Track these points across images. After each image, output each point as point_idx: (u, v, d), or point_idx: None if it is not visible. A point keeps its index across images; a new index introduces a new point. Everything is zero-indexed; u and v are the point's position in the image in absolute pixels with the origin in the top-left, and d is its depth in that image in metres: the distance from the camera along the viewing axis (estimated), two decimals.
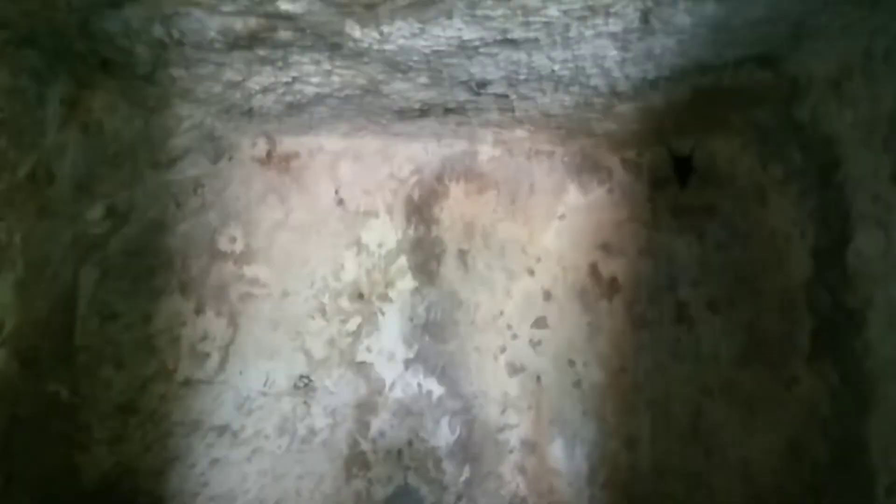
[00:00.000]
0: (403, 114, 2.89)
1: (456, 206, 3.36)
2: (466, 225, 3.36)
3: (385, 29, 1.92)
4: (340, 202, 3.30)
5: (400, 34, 1.96)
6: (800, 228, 2.62)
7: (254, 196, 3.25)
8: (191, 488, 3.07)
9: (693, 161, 3.14)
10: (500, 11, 1.84)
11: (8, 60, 2.13)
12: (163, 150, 2.92)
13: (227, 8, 1.84)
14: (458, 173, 3.38)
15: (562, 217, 3.38)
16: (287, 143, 3.26)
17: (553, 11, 1.84)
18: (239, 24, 1.91)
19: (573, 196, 3.39)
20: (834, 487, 2.46)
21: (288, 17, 1.88)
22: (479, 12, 1.85)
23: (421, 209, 3.34)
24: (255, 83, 2.44)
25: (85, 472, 2.93)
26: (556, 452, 3.23)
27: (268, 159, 3.26)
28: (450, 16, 1.87)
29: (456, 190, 3.37)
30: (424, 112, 2.83)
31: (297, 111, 2.80)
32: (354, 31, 1.92)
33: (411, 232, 3.33)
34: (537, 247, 3.36)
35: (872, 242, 2.29)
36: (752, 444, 2.81)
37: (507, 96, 2.60)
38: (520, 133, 3.18)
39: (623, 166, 3.36)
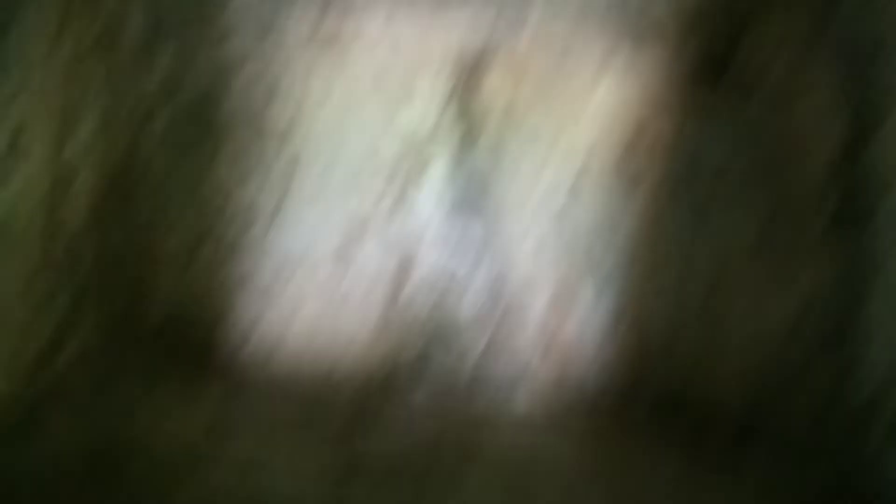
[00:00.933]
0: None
1: (492, 91, 3.46)
2: (502, 110, 3.47)
3: None
4: (379, 83, 3.44)
5: None
6: (826, 125, 2.69)
7: (297, 75, 3.41)
8: (237, 339, 3.41)
9: (726, 58, 3.17)
10: None
11: None
12: (214, 26, 3.08)
13: None
14: (496, 58, 3.46)
15: (595, 106, 3.45)
16: (330, 25, 3.38)
17: None
18: None
19: (608, 82, 3.44)
20: (825, 367, 2.65)
21: None
22: None
23: (460, 90, 3.46)
24: None
25: (147, 316, 3.28)
26: (573, 328, 3.45)
27: (312, 38, 3.39)
28: None
29: (493, 75, 3.46)
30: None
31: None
32: None
33: (448, 113, 3.46)
34: (569, 134, 3.46)
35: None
36: (759, 324, 2.98)
37: None
38: (561, 21, 3.24)
39: (657, 61, 3.39)
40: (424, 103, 3.47)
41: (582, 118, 3.47)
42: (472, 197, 3.49)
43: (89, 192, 2.76)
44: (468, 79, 3.46)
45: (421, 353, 3.47)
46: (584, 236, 3.46)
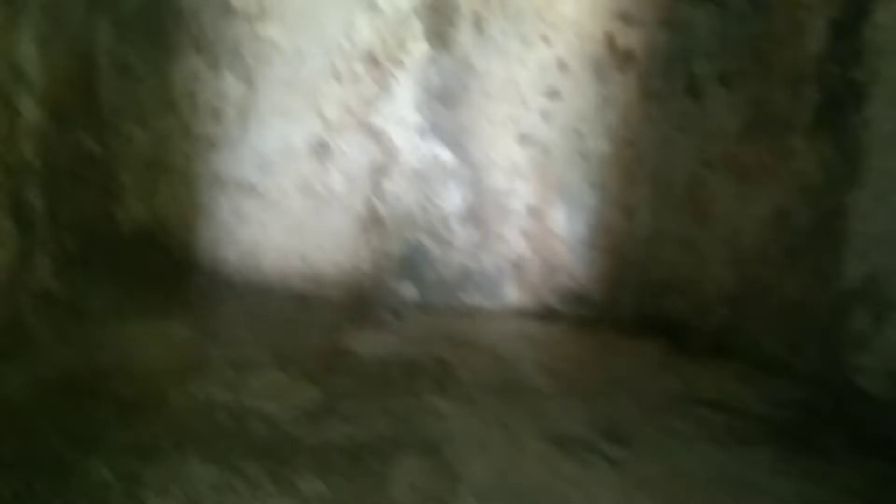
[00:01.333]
0: None
1: None
2: None
3: None
4: None
5: None
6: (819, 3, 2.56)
7: None
8: (218, 239, 3.33)
9: None
10: None
11: None
12: None
13: None
14: None
15: None
16: None
17: None
18: None
19: None
20: (811, 252, 2.66)
21: None
22: None
23: None
24: None
25: (121, 220, 3.18)
26: (559, 218, 3.41)
27: None
28: None
29: None
30: None
31: None
32: None
33: None
34: (554, 13, 3.27)
35: (891, 15, 2.26)
36: (743, 213, 2.98)
37: None
38: None
39: None
40: None
41: None
42: (456, 80, 3.34)
43: (44, 93, 2.57)
44: None
45: (410, 246, 3.44)
46: (574, 120, 3.35)
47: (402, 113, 3.34)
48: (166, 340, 2.69)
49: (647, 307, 3.29)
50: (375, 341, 2.93)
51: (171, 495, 1.72)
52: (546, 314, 3.40)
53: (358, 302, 3.36)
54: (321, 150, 3.34)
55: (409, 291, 3.44)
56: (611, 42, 3.27)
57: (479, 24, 3.27)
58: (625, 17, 3.24)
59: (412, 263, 3.43)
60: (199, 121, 3.24)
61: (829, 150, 2.56)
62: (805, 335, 2.62)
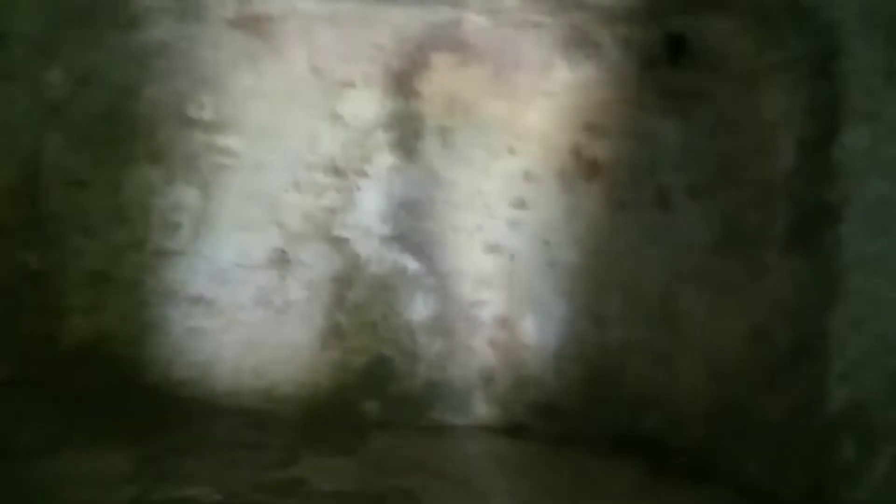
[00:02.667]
0: None
1: (438, 79, 3.24)
2: (448, 99, 3.25)
3: None
4: (316, 70, 3.17)
5: None
6: (789, 118, 2.57)
7: (224, 60, 3.11)
8: (167, 355, 3.15)
9: (686, 40, 3.01)
10: None
11: None
12: (125, 8, 2.72)
13: None
14: (441, 43, 3.23)
15: (547, 94, 3.27)
16: (259, 3, 3.06)
17: None
18: None
19: (560, 72, 3.26)
20: (792, 372, 2.58)
21: None
22: None
23: (401, 80, 3.22)
24: None
25: (61, 338, 2.98)
26: (528, 328, 3.31)
27: (238, 20, 3.08)
28: None
29: (438, 61, 3.24)
30: None
31: None
32: None
33: (390, 104, 3.22)
34: (520, 125, 3.28)
35: (860, 137, 2.26)
36: (719, 328, 2.91)
37: None
38: (509, 1, 3.01)
39: (614, 42, 3.22)
40: (364, 90, 3.20)
41: (533, 106, 3.28)
42: (422, 190, 3.28)
43: None
44: (409, 65, 3.21)
45: (373, 359, 3.28)
46: (542, 230, 3.30)
47: (366, 223, 3.26)
48: (103, 479, 2.45)
49: (622, 422, 3.16)
50: (334, 469, 2.72)
51: None
52: (516, 430, 3.25)
53: (316, 421, 3.17)
54: (280, 261, 3.21)
55: (371, 408, 3.26)
56: (577, 152, 3.27)
57: (444, 135, 3.24)
58: (591, 129, 3.25)
59: (375, 378, 3.27)
60: (151, 233, 3.09)
61: (804, 268, 2.51)
62: (789, 462, 2.50)
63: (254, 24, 3.08)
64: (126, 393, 3.02)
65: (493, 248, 3.31)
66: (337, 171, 3.21)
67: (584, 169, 3.26)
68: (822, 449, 2.38)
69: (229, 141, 3.14)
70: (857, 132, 2.30)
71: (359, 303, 3.27)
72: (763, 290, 2.70)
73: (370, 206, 3.25)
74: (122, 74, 2.94)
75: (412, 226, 3.27)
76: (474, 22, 3.21)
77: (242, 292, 3.19)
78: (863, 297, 2.27)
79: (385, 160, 3.24)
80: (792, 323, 2.55)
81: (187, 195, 3.14)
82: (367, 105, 3.20)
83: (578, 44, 3.25)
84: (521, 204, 3.30)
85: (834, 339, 2.39)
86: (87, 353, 2.99)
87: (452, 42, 3.22)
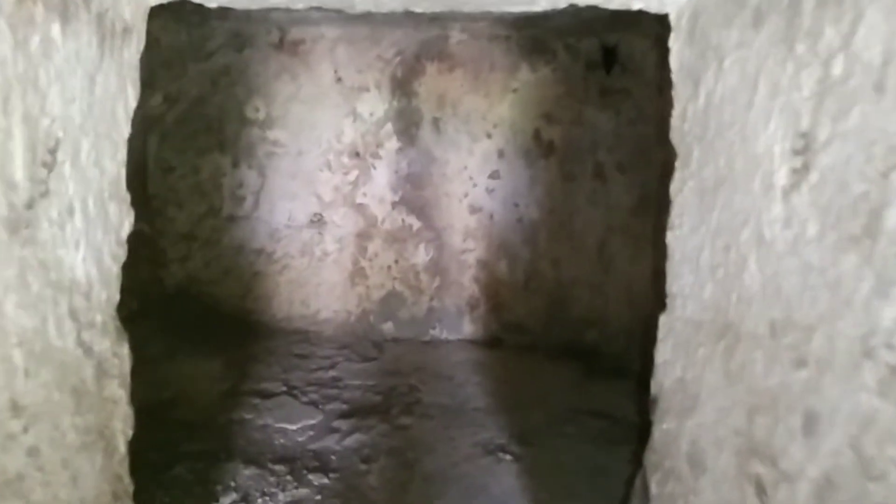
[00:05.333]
0: (387, 15, 3.69)
1: (431, 82, 4.23)
2: (439, 97, 4.25)
3: None
4: (339, 79, 4.18)
5: None
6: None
7: (271, 74, 4.13)
8: (240, 292, 4.33)
9: (617, 52, 3.97)
10: None
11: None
12: (202, 50, 3.77)
13: None
14: (432, 54, 4.21)
15: (515, 90, 4.25)
16: (295, 33, 4.07)
17: None
18: None
19: (524, 73, 4.23)
20: None
21: None
22: None
23: (403, 84, 4.23)
24: (271, 11, 3.26)
25: (165, 281, 4.17)
26: (502, 268, 4.42)
27: (280, 45, 4.09)
28: None
29: (431, 68, 4.22)
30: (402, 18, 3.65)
31: (302, 18, 3.62)
32: None
33: (395, 103, 4.24)
34: (494, 114, 4.28)
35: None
36: (634, 269, 3.99)
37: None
38: (482, 24, 3.98)
39: (565, 50, 4.17)
40: (376, 93, 4.23)
41: (504, 100, 4.27)
42: (421, 166, 4.34)
43: None
44: (409, 72, 4.21)
45: (387, 293, 4.44)
46: (512, 195, 4.35)
47: (380, 192, 4.34)
48: (208, 376, 3.69)
49: (570, 336, 4.30)
50: (360, 371, 3.93)
51: (230, 489, 2.72)
52: (493, 342, 4.41)
53: (348, 337, 4.37)
54: (318, 222, 4.33)
55: (387, 328, 4.44)
56: (538, 136, 4.27)
57: (437, 124, 4.26)
58: (547, 117, 4.24)
59: (390, 306, 4.44)
60: (223, 203, 4.23)
61: None
62: None
63: (291, 47, 4.10)
64: (212, 319, 4.24)
65: (475, 209, 4.38)
66: (357, 154, 4.28)
67: (542, 148, 4.28)
68: None
69: (277, 134, 4.22)
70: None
71: (376, 251, 4.41)
72: (662, 242, 3.76)
73: (382, 179, 4.33)
74: (198, 90, 4.00)
75: (414, 193, 4.36)
76: (457, 37, 4.18)
77: (291, 246, 4.34)
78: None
79: (393, 145, 4.29)
80: None
81: (248, 175, 4.25)
82: (378, 104, 4.23)
83: (537, 50, 4.21)
84: (496, 175, 4.34)
85: None
86: (183, 292, 4.20)
87: (441, 53, 4.21)
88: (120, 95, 1.43)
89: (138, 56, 1.53)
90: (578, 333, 4.29)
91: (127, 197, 1.54)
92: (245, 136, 4.19)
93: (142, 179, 3.96)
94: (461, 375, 3.96)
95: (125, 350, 1.61)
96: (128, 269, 3.79)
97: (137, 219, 3.95)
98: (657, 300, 3.81)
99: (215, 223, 4.23)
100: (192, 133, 4.11)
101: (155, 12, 3.06)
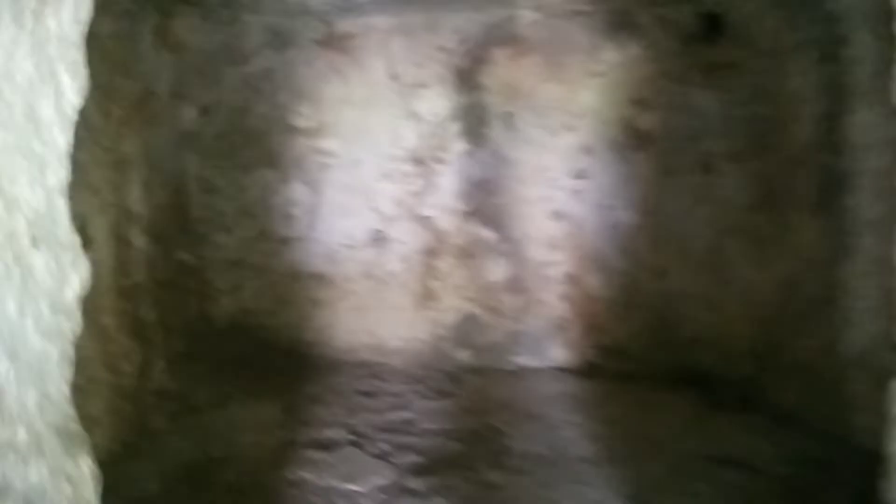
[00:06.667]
0: None
1: (498, 71, 3.67)
2: (508, 87, 3.68)
3: None
4: (394, 76, 3.67)
5: None
6: (808, 94, 2.88)
7: (318, 76, 3.66)
8: (297, 322, 3.85)
9: (721, 19, 3.30)
10: None
11: (108, 9, 2.52)
12: (237, 52, 3.32)
13: None
14: (500, 39, 3.64)
15: (599, 74, 3.64)
16: (342, 26, 3.58)
17: None
18: None
19: (609, 54, 3.62)
20: (817, 318, 2.98)
21: None
22: None
23: (466, 76, 3.68)
24: None
25: (214, 316, 3.72)
26: (594, 282, 3.80)
27: (326, 41, 3.61)
28: None
29: (499, 56, 3.65)
30: None
31: (348, 6, 3.11)
32: None
33: (458, 98, 3.70)
34: (574, 104, 3.67)
35: (863, 117, 2.58)
36: (757, 277, 3.31)
37: None
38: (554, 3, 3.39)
39: (657, 23, 3.52)
40: (438, 89, 3.69)
41: (585, 86, 3.66)
42: (491, 170, 3.77)
43: (148, 223, 3.12)
44: (474, 63, 3.65)
45: (461, 316, 3.88)
46: (602, 196, 3.73)
47: (446, 202, 3.80)
48: (261, 425, 3.21)
49: (679, 361, 3.63)
50: (437, 410, 3.37)
51: None
52: (587, 370, 3.79)
53: (419, 369, 3.82)
54: (379, 239, 3.82)
55: (463, 356, 3.88)
56: (628, 125, 3.64)
57: (507, 120, 3.69)
58: (640, 103, 3.61)
59: (465, 331, 3.88)
60: (274, 224, 3.77)
61: (826, 228, 2.88)
62: (816, 394, 2.93)
63: (338, 43, 3.60)
64: (267, 356, 3.78)
65: (558, 215, 3.78)
66: (418, 161, 3.75)
67: (636, 140, 3.65)
68: (840, 383, 2.81)
69: (328, 143, 3.73)
70: (866, 112, 2.62)
71: (447, 270, 3.86)
72: (793, 244, 3.07)
73: (448, 187, 3.78)
74: (237, 99, 3.56)
75: (485, 201, 3.79)
76: (526, 17, 3.60)
77: (351, 268, 3.84)
78: (869, 256, 2.64)
79: (458, 147, 3.74)
80: (816, 275, 2.94)
81: (299, 191, 3.78)
82: (439, 101, 3.69)
83: (621, 26, 3.58)
84: (582, 175, 3.73)
85: (848, 290, 2.78)
86: (234, 327, 3.75)
87: (508, 37, 3.63)
88: (43, 87, 0.93)
89: (79, 28, 1.01)
90: (691, 357, 3.61)
91: (72, 240, 1.02)
92: (293, 148, 3.72)
93: (182, 203, 3.53)
94: (555, 414, 3.35)
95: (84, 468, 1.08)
96: (173, 307, 3.36)
97: (180, 248, 3.53)
98: (789, 313, 3.12)
99: (267, 247, 3.77)
100: (235, 148, 3.66)
101: (177, 10, 2.60)
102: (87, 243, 2.53)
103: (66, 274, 0.99)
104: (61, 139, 0.98)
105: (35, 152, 0.91)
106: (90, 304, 2.51)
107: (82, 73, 1.03)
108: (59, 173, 0.97)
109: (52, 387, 0.93)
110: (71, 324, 1.00)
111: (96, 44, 2.51)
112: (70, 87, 0.97)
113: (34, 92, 0.91)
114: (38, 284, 0.93)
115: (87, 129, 2.42)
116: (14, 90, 0.87)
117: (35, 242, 0.92)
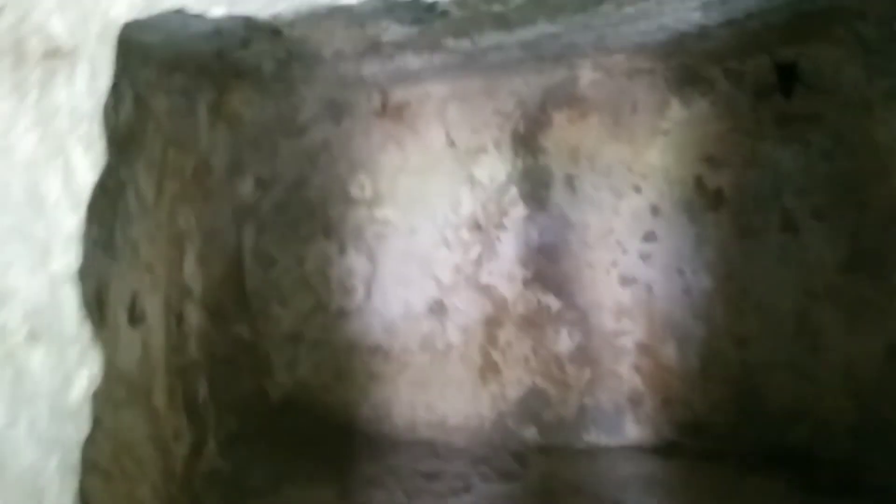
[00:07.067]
0: (503, 60, 3.07)
1: (560, 133, 3.54)
2: (571, 150, 3.54)
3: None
4: (451, 142, 3.59)
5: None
6: None
7: (375, 145, 3.61)
8: (355, 398, 3.70)
9: (797, 69, 3.11)
10: None
11: (163, 86, 2.53)
12: (293, 124, 3.30)
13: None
14: (559, 101, 3.53)
15: (665, 132, 3.47)
16: (398, 94, 3.54)
17: None
18: (348, 46, 2.18)
19: (676, 110, 3.45)
20: None
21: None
22: None
23: (527, 140, 3.56)
24: (365, 67, 2.71)
25: (270, 392, 3.62)
26: (670, 352, 3.52)
27: (383, 111, 3.57)
28: None
29: (559, 117, 3.53)
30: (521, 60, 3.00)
31: (404, 75, 3.06)
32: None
33: (519, 162, 3.58)
34: (642, 164, 3.50)
35: None
36: (855, 346, 2.99)
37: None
38: (617, 57, 3.27)
39: (725, 76, 3.36)
40: (496, 154, 3.58)
41: (653, 144, 3.49)
42: (555, 234, 3.60)
43: (203, 297, 3.06)
44: (533, 125, 3.54)
45: (527, 390, 3.66)
46: (674, 259, 3.50)
47: (507, 268, 3.64)
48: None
49: (769, 438, 3.29)
50: (503, 495, 3.13)
51: None
52: (666, 449, 3.48)
53: (483, 448, 3.60)
54: (438, 309, 3.67)
55: (530, 434, 3.63)
56: (700, 184, 3.43)
57: (571, 182, 3.54)
58: (711, 160, 3.41)
59: (531, 406, 3.64)
60: (332, 296, 3.67)
61: None
62: None
63: (395, 112, 3.56)
64: (324, 434, 3.63)
65: (628, 281, 3.56)
66: (478, 227, 3.62)
67: (708, 199, 3.43)
68: None
69: (386, 212, 3.65)
70: None
71: (509, 340, 3.66)
72: (895, 308, 2.77)
73: (510, 253, 3.62)
74: (295, 171, 3.54)
75: (550, 267, 3.61)
76: (588, 77, 3.48)
77: (410, 339, 3.69)
78: None
79: (519, 212, 3.60)
80: None
81: (357, 261, 3.69)
82: (498, 166, 3.58)
83: (690, 82, 3.42)
84: (651, 237, 3.52)
85: None
86: (290, 403, 3.62)
87: (570, 98, 3.52)
88: (49, 164, 0.83)
89: (96, 99, 0.91)
90: (781, 433, 3.28)
91: (80, 331, 0.91)
92: (351, 218, 3.65)
93: (238, 278, 3.48)
94: (630, 499, 3.06)
95: None
96: (227, 384, 3.26)
97: (236, 322, 3.47)
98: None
99: (324, 320, 3.67)
100: (294, 220, 3.62)
101: (233, 85, 2.59)
102: (137, 322, 2.47)
103: (72, 371, 0.87)
104: (69, 220, 0.88)
105: (36, 236, 0.81)
106: (139, 386, 2.43)
107: (98, 147, 0.93)
108: (65, 258, 0.86)
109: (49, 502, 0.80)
110: (76, 428, 0.87)
111: (151, 120, 2.52)
112: (82, 162, 0.88)
113: (37, 169, 0.81)
114: (34, 385, 0.81)
115: (141, 206, 2.39)
116: (11, 168, 0.78)
117: (33, 337, 0.81)
